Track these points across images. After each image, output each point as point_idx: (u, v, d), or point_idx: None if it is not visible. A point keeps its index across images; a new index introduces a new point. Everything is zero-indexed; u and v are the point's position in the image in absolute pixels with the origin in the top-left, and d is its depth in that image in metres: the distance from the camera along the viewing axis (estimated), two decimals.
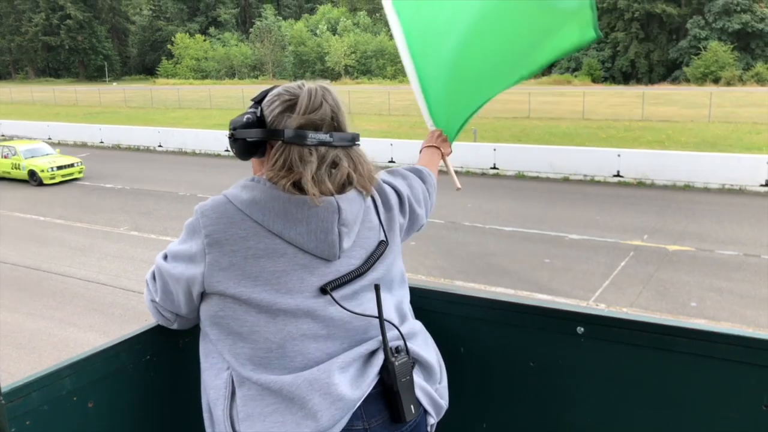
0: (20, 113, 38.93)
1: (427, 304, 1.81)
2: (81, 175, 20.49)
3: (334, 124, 1.38)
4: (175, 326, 1.52)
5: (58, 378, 1.40)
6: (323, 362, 1.30)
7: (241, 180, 1.38)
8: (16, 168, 20.14)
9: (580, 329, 1.63)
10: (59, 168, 19.70)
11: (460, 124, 2.07)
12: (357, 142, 1.41)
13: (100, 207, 17.02)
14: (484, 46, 1.94)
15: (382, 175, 1.62)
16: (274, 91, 1.41)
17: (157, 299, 1.46)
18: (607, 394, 1.65)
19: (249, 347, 1.30)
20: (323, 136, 1.34)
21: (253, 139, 1.37)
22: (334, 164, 1.35)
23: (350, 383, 1.29)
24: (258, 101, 1.42)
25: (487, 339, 1.79)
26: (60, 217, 15.94)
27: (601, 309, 8.64)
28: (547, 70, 57.23)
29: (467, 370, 1.80)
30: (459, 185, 2.06)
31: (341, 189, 1.36)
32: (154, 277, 1.47)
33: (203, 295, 1.37)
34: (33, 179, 19.66)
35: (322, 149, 1.34)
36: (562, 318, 1.67)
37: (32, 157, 20.17)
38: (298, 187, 1.31)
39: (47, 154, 20.57)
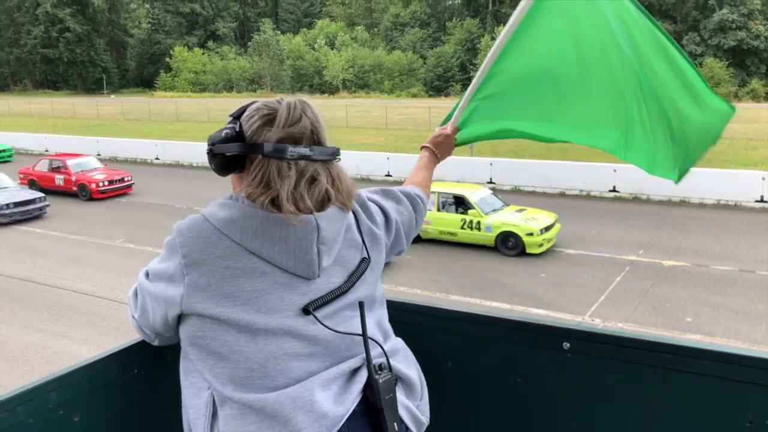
0: (18, 125, 38.94)
1: (415, 320, 1.81)
2: None
3: (314, 138, 1.36)
4: (156, 343, 1.51)
5: (45, 391, 1.39)
6: (305, 380, 1.28)
7: (219, 198, 1.36)
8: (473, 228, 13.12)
9: (566, 344, 1.64)
10: None
11: (489, 132, 1.97)
12: (338, 157, 1.39)
13: (96, 219, 17.00)
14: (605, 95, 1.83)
15: (371, 195, 1.60)
16: (253, 106, 1.39)
17: (136, 316, 1.46)
18: (592, 409, 1.65)
19: (230, 367, 1.29)
20: (303, 150, 1.32)
21: (232, 153, 1.34)
22: (313, 179, 1.33)
23: (333, 400, 1.28)
24: (237, 116, 1.39)
25: (474, 354, 1.79)
26: (55, 229, 15.91)
27: (587, 324, 8.63)
28: None
29: (454, 385, 1.80)
30: None
31: (321, 206, 1.33)
32: (136, 294, 1.46)
33: (182, 317, 1.35)
34: None
35: (302, 163, 1.32)
36: (548, 333, 1.67)
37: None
38: (276, 204, 1.29)
39: None
